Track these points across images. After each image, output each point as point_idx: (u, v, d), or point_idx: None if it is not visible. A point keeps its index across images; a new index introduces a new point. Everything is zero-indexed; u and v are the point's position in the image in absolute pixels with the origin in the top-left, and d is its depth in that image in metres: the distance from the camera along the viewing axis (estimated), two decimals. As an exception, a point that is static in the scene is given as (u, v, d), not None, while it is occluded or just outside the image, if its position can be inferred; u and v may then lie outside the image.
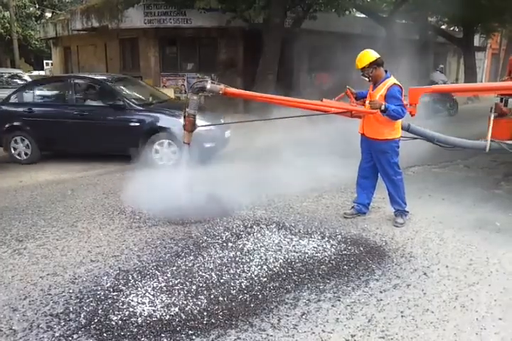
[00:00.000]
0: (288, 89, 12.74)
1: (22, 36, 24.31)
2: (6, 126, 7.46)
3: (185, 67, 16.52)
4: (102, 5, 16.24)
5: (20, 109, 7.54)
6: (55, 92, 8.06)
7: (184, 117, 4.50)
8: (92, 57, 19.23)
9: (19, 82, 12.52)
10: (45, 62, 31.52)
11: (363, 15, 18.56)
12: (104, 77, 7.96)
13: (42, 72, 28.52)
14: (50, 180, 6.32)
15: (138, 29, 15.83)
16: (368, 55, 4.18)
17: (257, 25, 13.38)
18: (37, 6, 26.63)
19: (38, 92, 7.86)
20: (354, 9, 16.59)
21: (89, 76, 8.10)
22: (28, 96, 7.77)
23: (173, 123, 6.63)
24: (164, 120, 6.83)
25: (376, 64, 4.19)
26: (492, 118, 4.95)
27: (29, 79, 12.74)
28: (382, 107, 4.02)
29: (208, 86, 4.30)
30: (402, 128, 4.50)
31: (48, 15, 28.58)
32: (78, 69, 20.41)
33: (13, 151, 7.50)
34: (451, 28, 22.25)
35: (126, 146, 6.81)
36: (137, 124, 6.89)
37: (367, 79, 4.28)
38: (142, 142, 6.78)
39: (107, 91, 7.39)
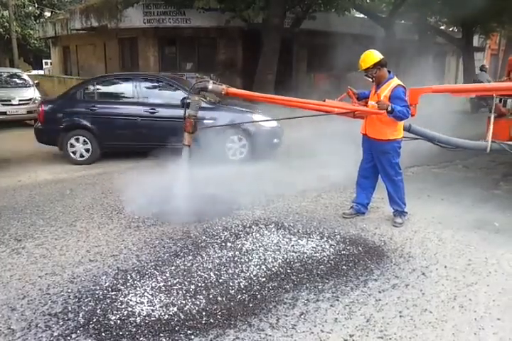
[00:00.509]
0: (287, 89, 12.75)
1: (21, 35, 24.26)
2: (64, 124, 7.18)
3: (184, 67, 16.53)
4: (102, 4, 16.26)
5: (81, 107, 7.28)
6: (119, 90, 7.78)
7: (184, 118, 4.44)
8: (91, 56, 19.25)
9: (18, 81, 12.39)
10: (44, 61, 31.48)
11: (362, 16, 18.59)
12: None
13: (41, 72, 28.48)
14: (48, 180, 6.30)
15: (137, 29, 15.85)
16: (372, 56, 4.16)
17: (257, 25, 13.40)
18: (36, 5, 26.60)
19: (99, 90, 7.61)
20: (353, 9, 16.60)
21: (157, 74, 7.92)
22: (87, 93, 7.52)
23: (244, 120, 6.90)
24: (236, 117, 6.89)
25: (380, 65, 4.16)
26: (492, 118, 4.95)
27: (28, 79, 12.63)
28: (389, 108, 4.02)
29: (210, 86, 4.25)
30: (403, 129, 4.49)
31: (47, 14, 28.57)
32: (77, 68, 20.43)
33: (69, 151, 7.21)
34: (451, 29, 22.29)
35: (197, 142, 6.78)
36: (211, 121, 6.80)
37: (370, 79, 4.26)
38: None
39: (177, 89, 7.27)
